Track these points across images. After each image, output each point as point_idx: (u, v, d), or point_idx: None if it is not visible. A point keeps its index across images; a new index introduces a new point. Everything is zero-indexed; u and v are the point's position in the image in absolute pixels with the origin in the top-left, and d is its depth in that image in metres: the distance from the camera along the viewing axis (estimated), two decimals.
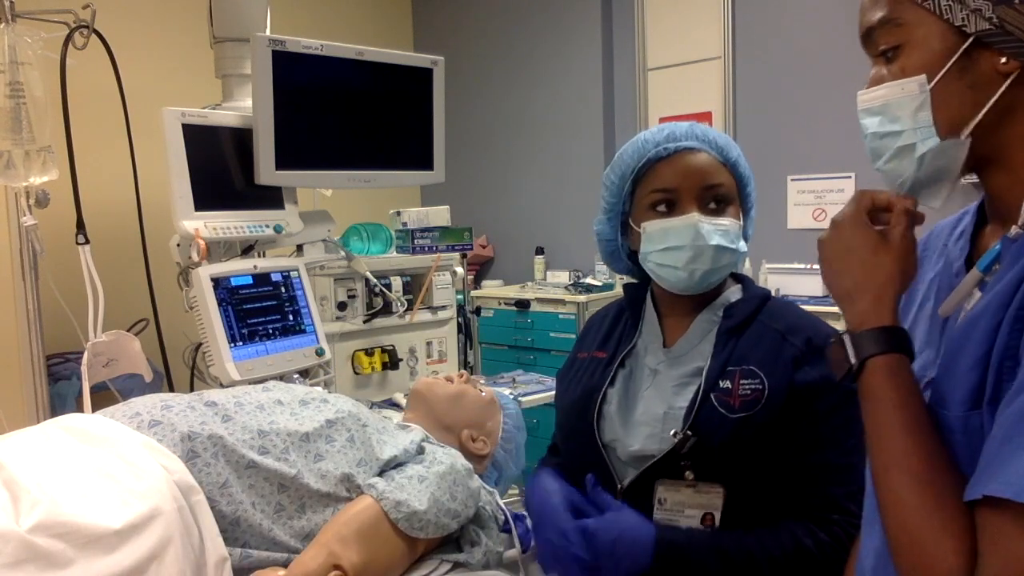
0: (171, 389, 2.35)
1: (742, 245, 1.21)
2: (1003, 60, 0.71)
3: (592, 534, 1.08)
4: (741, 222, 1.22)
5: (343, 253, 2.26)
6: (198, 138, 1.95)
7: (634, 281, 1.37)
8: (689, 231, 1.17)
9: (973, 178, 0.81)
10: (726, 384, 1.14)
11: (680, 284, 1.20)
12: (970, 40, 0.71)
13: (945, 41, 0.73)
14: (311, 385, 1.93)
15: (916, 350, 0.80)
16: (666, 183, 1.19)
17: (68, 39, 1.98)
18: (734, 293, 1.26)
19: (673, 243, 1.18)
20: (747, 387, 1.13)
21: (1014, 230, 0.71)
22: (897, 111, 0.77)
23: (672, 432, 1.12)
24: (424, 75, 2.27)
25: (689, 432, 1.11)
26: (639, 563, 1.07)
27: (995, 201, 0.79)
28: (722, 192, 1.19)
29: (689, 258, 1.17)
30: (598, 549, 1.07)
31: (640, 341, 1.28)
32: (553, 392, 2.32)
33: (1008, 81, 0.71)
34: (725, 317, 1.22)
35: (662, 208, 1.20)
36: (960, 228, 0.87)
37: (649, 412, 1.18)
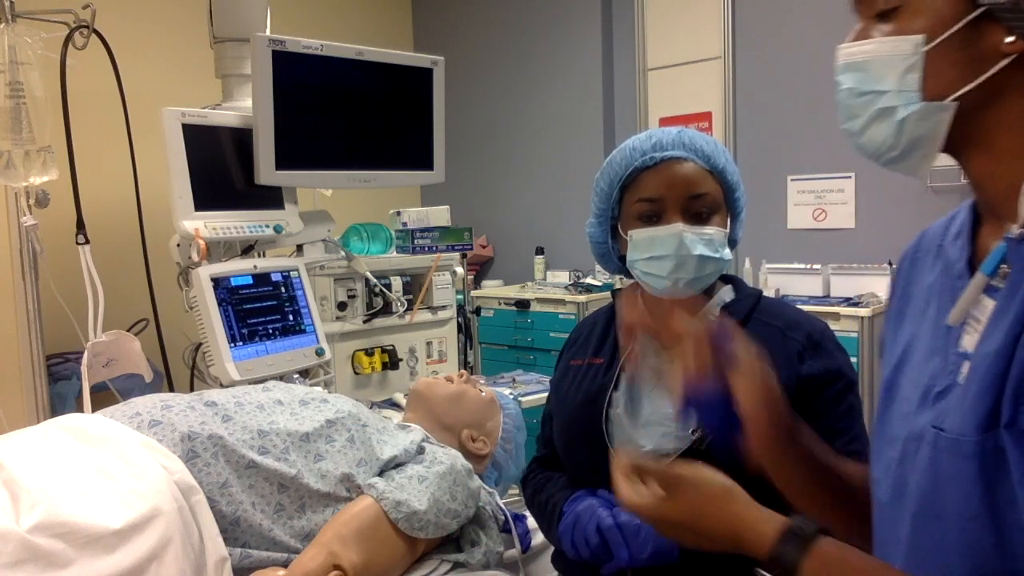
0: (171, 389, 2.35)
1: (726, 253, 1.22)
2: (1010, 39, 0.66)
3: (620, 513, 1.13)
4: (727, 229, 1.23)
5: (343, 253, 2.26)
6: (198, 138, 1.95)
7: (622, 286, 1.37)
8: (673, 241, 1.18)
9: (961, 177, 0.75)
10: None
11: (665, 292, 1.22)
12: (979, 11, 0.66)
13: (953, 7, 0.68)
14: (311, 385, 1.93)
15: (922, 358, 0.76)
16: (651, 193, 1.21)
17: (68, 39, 1.98)
18: (727, 293, 1.28)
19: (657, 252, 1.19)
20: None
21: (1016, 230, 0.67)
22: (884, 70, 0.72)
23: (691, 430, 1.12)
24: (424, 75, 2.27)
25: (708, 430, 1.11)
26: (665, 543, 1.09)
27: (979, 190, 0.75)
28: (707, 201, 1.21)
29: (672, 267, 1.19)
30: (627, 531, 1.11)
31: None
32: None
33: (1007, 61, 0.66)
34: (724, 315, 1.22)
35: (648, 217, 1.21)
36: (955, 228, 0.82)
37: (660, 411, 1.18)
